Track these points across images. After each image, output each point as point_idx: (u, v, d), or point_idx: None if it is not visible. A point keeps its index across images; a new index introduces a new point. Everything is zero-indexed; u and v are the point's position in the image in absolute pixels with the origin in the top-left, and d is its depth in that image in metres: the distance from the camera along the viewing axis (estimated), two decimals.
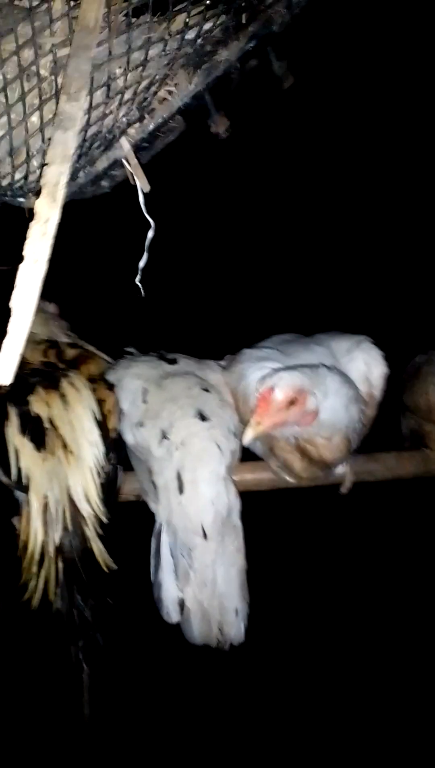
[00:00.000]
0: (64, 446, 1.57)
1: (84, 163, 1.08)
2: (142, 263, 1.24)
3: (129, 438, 1.69)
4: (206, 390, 1.70)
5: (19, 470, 1.53)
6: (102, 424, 1.66)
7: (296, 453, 1.59)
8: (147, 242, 1.26)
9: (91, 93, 0.93)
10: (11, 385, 1.64)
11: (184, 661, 1.63)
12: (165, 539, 1.59)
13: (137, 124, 1.11)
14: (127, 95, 0.99)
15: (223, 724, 2.81)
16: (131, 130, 1.11)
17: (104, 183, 1.35)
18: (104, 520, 1.58)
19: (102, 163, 1.14)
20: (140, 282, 1.26)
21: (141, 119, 1.11)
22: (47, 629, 1.54)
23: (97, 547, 1.55)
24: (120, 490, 1.71)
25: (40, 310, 2.00)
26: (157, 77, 1.00)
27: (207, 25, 0.99)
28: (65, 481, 1.54)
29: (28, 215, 1.10)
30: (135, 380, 1.73)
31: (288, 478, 1.73)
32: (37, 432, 1.57)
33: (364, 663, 3.09)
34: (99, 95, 0.95)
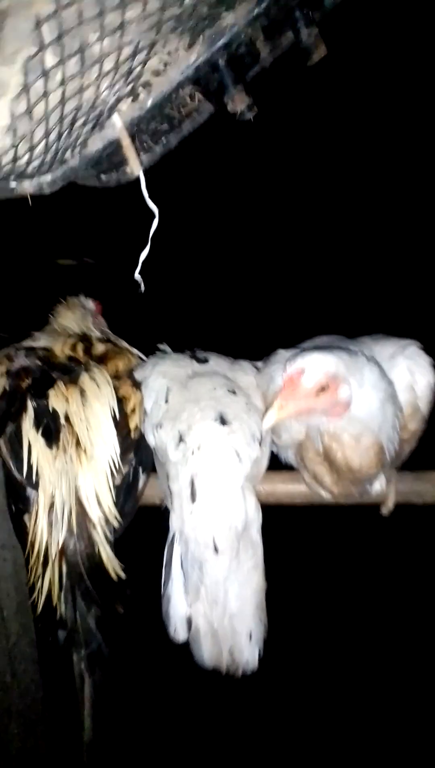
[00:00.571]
0: (78, 444, 1.51)
1: (70, 142, 1.00)
2: (143, 255, 1.14)
3: (150, 439, 1.61)
4: (233, 392, 1.58)
5: (30, 466, 1.48)
6: (122, 423, 1.59)
7: (325, 464, 1.45)
8: (151, 233, 1.16)
9: (63, 62, 0.84)
10: (34, 378, 1.65)
11: (191, 683, 1.51)
12: (177, 550, 1.49)
13: (129, 100, 1.01)
14: (108, 65, 0.90)
15: (228, 748, 2.66)
16: (123, 107, 1.01)
17: (109, 176, 1.26)
18: (115, 524, 1.50)
19: (95, 144, 1.05)
20: (140, 275, 1.16)
21: (134, 94, 1.01)
22: (51, 634, 1.48)
23: (106, 552, 1.48)
24: (141, 492, 1.63)
25: (79, 306, 1.97)
26: (141, 44, 0.89)
27: None
28: (74, 481, 1.47)
29: None
30: (160, 379, 1.64)
31: (322, 492, 1.58)
32: (51, 427, 1.52)
33: (397, 700, 2.85)
34: (73, 65, 0.86)
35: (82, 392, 1.58)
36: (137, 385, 1.67)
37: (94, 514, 1.47)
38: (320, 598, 3.09)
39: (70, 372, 1.64)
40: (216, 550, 1.42)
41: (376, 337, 1.60)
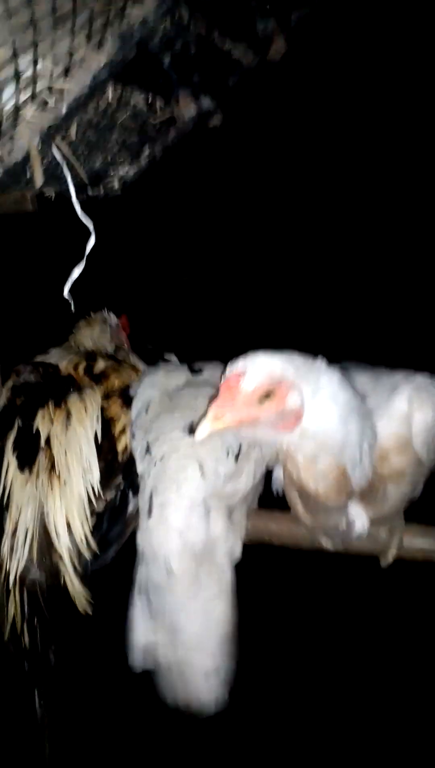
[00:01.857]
0: (52, 468, 1.45)
1: None
2: (75, 274, 1.05)
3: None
4: None
5: (4, 487, 1.45)
6: (107, 447, 1.51)
7: (295, 488, 1.29)
8: (87, 249, 1.07)
9: None
10: (28, 396, 1.62)
11: (156, 720, 1.38)
12: (141, 572, 1.37)
13: (33, 108, 0.93)
14: None
15: None
16: (27, 114, 0.93)
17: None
18: (87, 555, 1.42)
19: (15, 156, 0.98)
20: (70, 294, 1.07)
21: (39, 101, 0.92)
22: (17, 663, 1.42)
23: (73, 584, 1.40)
24: (132, 517, 1.54)
25: (99, 322, 1.93)
26: (17, 43, 0.81)
27: None
28: (41, 508, 1.41)
29: None
30: (148, 389, 1.54)
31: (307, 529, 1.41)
32: (29, 449, 1.47)
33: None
34: None
35: (68, 414, 1.53)
36: (128, 403, 1.59)
37: (63, 543, 1.40)
38: (307, 644, 2.81)
39: (63, 392, 1.59)
40: (169, 571, 1.28)
41: (393, 370, 1.40)
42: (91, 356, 1.75)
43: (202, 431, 1.05)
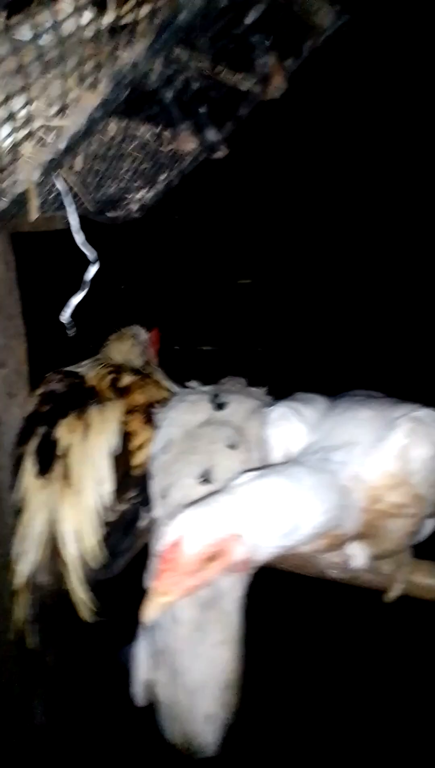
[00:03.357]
0: (66, 478, 1.51)
1: None
2: (76, 300, 1.09)
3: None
4: (233, 446, 1.45)
5: (20, 492, 1.52)
6: (122, 460, 1.56)
7: None
8: (88, 277, 1.11)
9: None
10: (54, 404, 1.69)
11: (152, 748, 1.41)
12: None
13: (36, 145, 0.97)
14: None
15: None
16: (26, 151, 0.98)
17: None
18: (93, 564, 1.48)
19: (17, 188, 1.03)
20: (70, 321, 1.12)
21: (36, 138, 0.97)
22: (21, 666, 1.49)
23: (76, 591, 1.45)
24: (143, 531, 1.58)
25: (130, 337, 1.98)
26: (9, 88, 0.86)
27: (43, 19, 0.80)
28: (53, 515, 1.47)
29: None
30: (168, 427, 1.53)
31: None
32: (47, 457, 1.54)
33: None
34: None
35: (87, 426, 1.58)
36: (150, 420, 1.62)
37: (69, 551, 1.45)
38: (311, 682, 2.70)
39: (84, 403, 1.65)
40: (174, 618, 1.31)
41: (397, 401, 1.37)
42: (117, 370, 1.80)
43: (149, 613, 0.98)
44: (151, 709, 1.39)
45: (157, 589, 0.96)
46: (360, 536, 1.22)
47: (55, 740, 1.45)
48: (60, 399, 1.68)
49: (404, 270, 4.02)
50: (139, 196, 1.31)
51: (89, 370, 1.81)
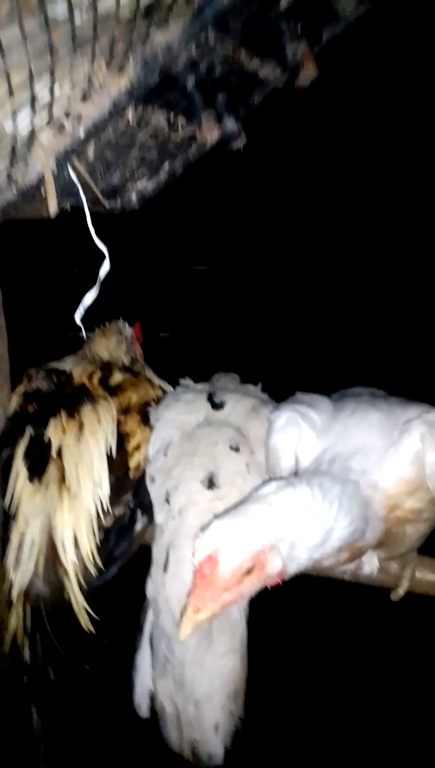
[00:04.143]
0: (63, 480, 1.44)
1: None
2: (88, 299, 1.02)
3: (149, 489, 1.48)
4: (235, 449, 1.40)
5: (12, 497, 1.44)
6: (118, 462, 1.49)
7: None
8: (101, 274, 1.04)
9: None
10: (41, 403, 1.60)
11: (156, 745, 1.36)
12: (149, 618, 1.36)
13: (51, 132, 0.90)
14: None
15: None
16: (44, 139, 0.91)
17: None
18: (93, 570, 1.41)
19: (29, 177, 0.96)
20: (81, 321, 1.05)
21: (57, 125, 0.90)
22: (16, 678, 1.41)
23: (77, 600, 1.39)
24: (139, 536, 1.52)
25: (115, 333, 1.91)
26: (34, 68, 0.78)
27: None
28: (49, 520, 1.40)
29: None
30: (166, 428, 1.49)
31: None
32: (39, 459, 1.46)
33: None
34: None
35: (81, 425, 1.51)
36: (147, 420, 1.56)
37: (68, 558, 1.39)
38: (316, 687, 2.70)
39: (76, 402, 1.57)
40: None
41: (405, 400, 1.36)
42: (106, 367, 1.73)
43: (185, 630, 0.94)
44: (154, 720, 1.35)
45: (193, 606, 0.91)
46: (377, 546, 1.21)
47: (56, 753, 1.39)
48: (47, 398, 1.60)
49: (356, 253, 4.04)
50: (140, 185, 1.24)
51: (74, 367, 1.73)
